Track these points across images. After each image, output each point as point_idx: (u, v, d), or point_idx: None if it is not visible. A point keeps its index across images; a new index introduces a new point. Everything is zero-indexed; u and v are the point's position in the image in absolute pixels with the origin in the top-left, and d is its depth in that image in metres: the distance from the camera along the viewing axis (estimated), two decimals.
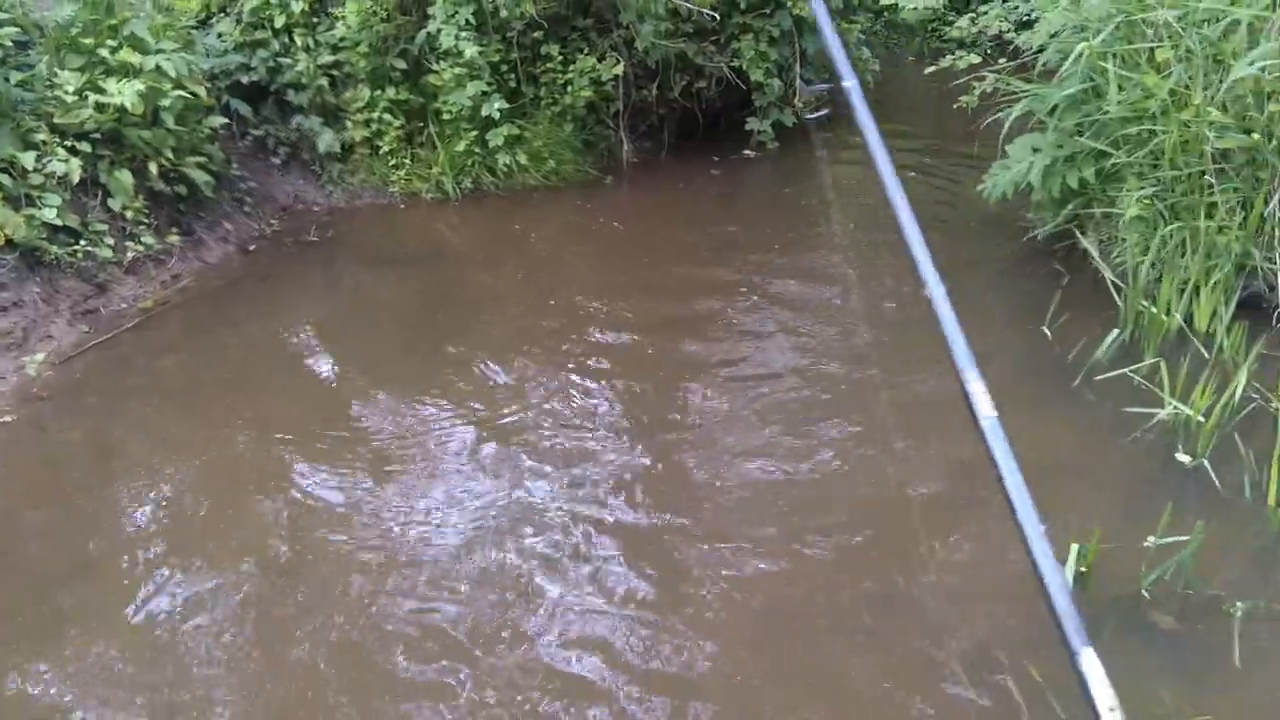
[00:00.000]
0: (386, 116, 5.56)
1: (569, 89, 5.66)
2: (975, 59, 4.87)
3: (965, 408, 1.89)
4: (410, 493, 2.99)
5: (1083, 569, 2.40)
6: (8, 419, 3.42)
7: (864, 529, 2.72)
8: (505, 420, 3.36)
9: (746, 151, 6.31)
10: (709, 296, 4.29)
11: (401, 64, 5.54)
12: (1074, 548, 2.37)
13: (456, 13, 5.18)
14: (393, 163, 5.67)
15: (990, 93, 4.48)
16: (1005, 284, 4.35)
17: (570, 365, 3.74)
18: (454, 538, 2.75)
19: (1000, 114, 4.31)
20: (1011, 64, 4.42)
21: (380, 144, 5.63)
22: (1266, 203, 3.49)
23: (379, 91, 5.54)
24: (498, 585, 2.55)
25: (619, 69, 5.68)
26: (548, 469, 3.06)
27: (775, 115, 6.25)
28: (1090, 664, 1.06)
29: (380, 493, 2.99)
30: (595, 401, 3.50)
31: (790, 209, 5.51)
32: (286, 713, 2.20)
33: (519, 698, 2.19)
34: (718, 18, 5.85)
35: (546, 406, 3.44)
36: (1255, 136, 3.45)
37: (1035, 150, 4.18)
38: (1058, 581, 1.14)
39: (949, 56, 5.30)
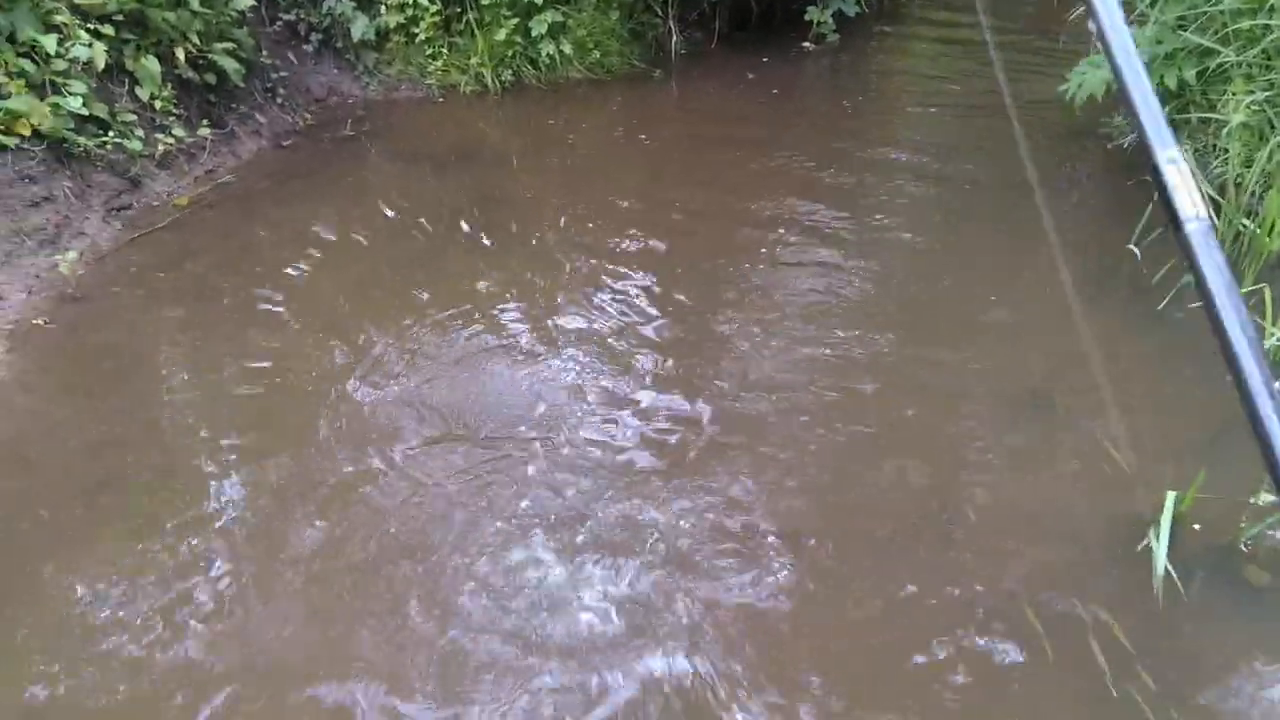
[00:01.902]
0: (422, 1, 5.23)
1: None
2: None
3: None
4: (445, 388, 2.89)
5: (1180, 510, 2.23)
6: (41, 321, 3.34)
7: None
8: (542, 319, 3.21)
9: (805, 44, 5.89)
10: (753, 207, 4.04)
11: None
12: (1170, 495, 2.19)
13: None
14: (429, 52, 5.37)
15: None
16: (1090, 196, 4.05)
17: (607, 274, 3.56)
18: (489, 419, 2.65)
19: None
20: None
21: (416, 31, 5.32)
22: None
23: None
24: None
25: None
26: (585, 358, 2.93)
27: (837, 3, 5.79)
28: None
29: (418, 390, 2.89)
30: (632, 308, 3.33)
31: (845, 114, 5.15)
32: (329, 605, 2.15)
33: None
34: None
35: (582, 307, 3.28)
36: None
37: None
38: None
39: None
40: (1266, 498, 2.25)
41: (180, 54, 4.37)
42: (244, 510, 2.49)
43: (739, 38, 6.01)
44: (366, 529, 2.40)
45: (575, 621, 2.12)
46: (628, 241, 3.77)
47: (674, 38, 5.76)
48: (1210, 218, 0.87)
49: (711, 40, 5.98)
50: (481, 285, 3.52)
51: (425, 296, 3.43)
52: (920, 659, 2.03)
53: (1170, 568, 2.12)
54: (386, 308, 3.39)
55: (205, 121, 4.56)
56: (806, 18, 5.83)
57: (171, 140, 4.32)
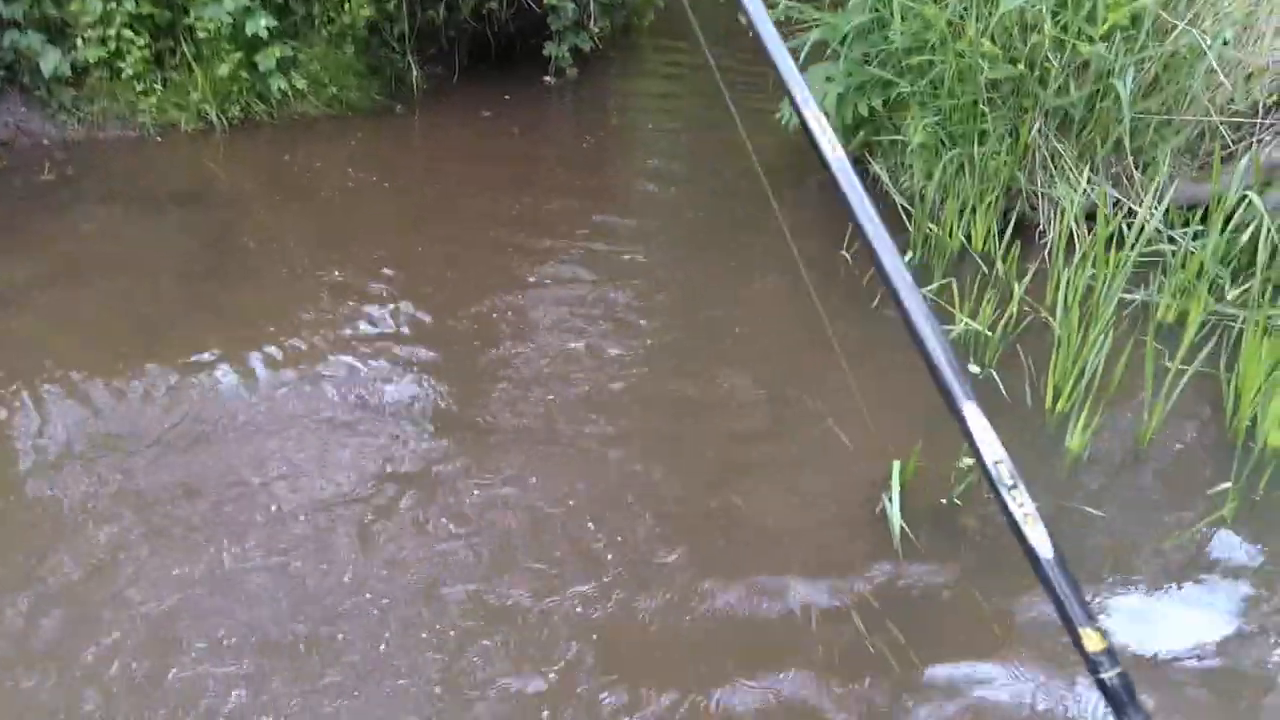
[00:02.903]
0: (127, 33, 4.77)
1: (347, 6, 5.12)
2: None
3: None
4: (203, 481, 2.66)
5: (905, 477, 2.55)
6: None
7: None
8: (294, 373, 3.05)
9: (546, 78, 6.07)
10: (507, 235, 4.10)
11: None
12: (895, 464, 2.51)
13: None
14: (140, 88, 4.92)
15: (785, 20, 4.53)
16: (801, 210, 4.50)
17: (363, 320, 3.45)
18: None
19: (794, 42, 4.38)
20: None
21: (122, 65, 4.85)
22: (1029, 131, 3.80)
23: (114, 4, 4.74)
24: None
25: None
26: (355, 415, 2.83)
27: (572, 40, 6.03)
28: (974, 417, 1.06)
29: (168, 492, 2.63)
30: (382, 350, 3.26)
31: (586, 144, 5.36)
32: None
33: None
34: None
35: (341, 360, 3.17)
36: (1020, 67, 3.72)
37: (829, 79, 4.29)
38: (937, 344, 1.11)
39: None
40: (966, 461, 2.64)
41: None
42: None
43: (481, 71, 6.07)
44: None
45: None
46: (375, 284, 3.66)
47: (414, 72, 5.70)
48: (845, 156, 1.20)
49: (454, 74, 6.00)
50: (212, 345, 3.24)
51: (145, 363, 3.12)
52: (692, 623, 2.17)
53: (904, 525, 2.43)
54: (97, 370, 3.04)
55: None
56: (545, 53, 6.02)
57: None
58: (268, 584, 2.25)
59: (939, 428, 2.75)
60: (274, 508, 2.48)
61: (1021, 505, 1.07)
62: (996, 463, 1.03)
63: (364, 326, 3.36)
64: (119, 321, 3.36)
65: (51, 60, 4.73)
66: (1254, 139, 3.75)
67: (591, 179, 4.70)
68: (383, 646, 2.11)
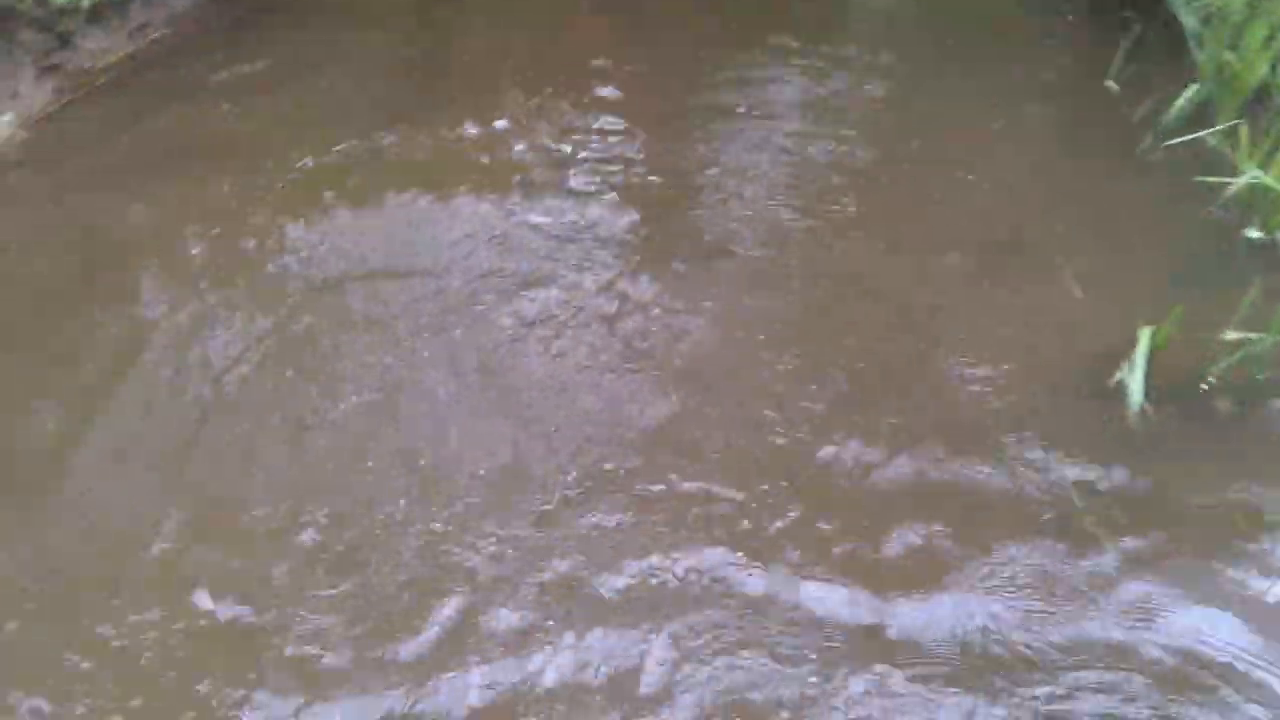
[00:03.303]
0: None
1: None
2: None
3: None
4: (414, 248, 2.85)
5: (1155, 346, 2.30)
6: None
7: None
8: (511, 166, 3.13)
9: None
10: (726, 54, 3.85)
11: None
12: (1145, 331, 2.26)
13: None
14: None
15: None
16: (1068, 32, 3.91)
17: (579, 128, 3.42)
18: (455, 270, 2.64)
19: None
20: None
21: None
22: None
23: None
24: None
25: None
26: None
27: None
28: None
29: (387, 256, 2.84)
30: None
31: None
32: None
33: None
34: None
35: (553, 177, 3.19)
36: None
37: None
38: None
39: None
40: (1232, 335, 2.32)
41: None
42: (202, 394, 2.47)
43: None
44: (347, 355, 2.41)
45: None
46: (599, 84, 3.60)
47: None
48: None
49: None
50: (438, 155, 3.35)
51: (382, 155, 3.29)
52: (893, 476, 2.14)
53: (1146, 404, 2.21)
54: (348, 162, 3.25)
55: None
56: None
57: None
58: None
59: (1200, 295, 2.46)
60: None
61: None
62: None
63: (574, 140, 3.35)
64: (352, 110, 3.55)
65: None
66: None
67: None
68: None
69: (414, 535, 2.10)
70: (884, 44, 3.88)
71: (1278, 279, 2.54)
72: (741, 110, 3.44)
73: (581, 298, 2.69)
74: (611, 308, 2.65)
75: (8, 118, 3.37)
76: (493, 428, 2.33)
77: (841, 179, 3.11)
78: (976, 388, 2.36)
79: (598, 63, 3.83)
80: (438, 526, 2.11)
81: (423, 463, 2.25)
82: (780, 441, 2.25)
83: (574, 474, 2.20)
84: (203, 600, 1.97)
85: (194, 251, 2.92)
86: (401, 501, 2.17)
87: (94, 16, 3.95)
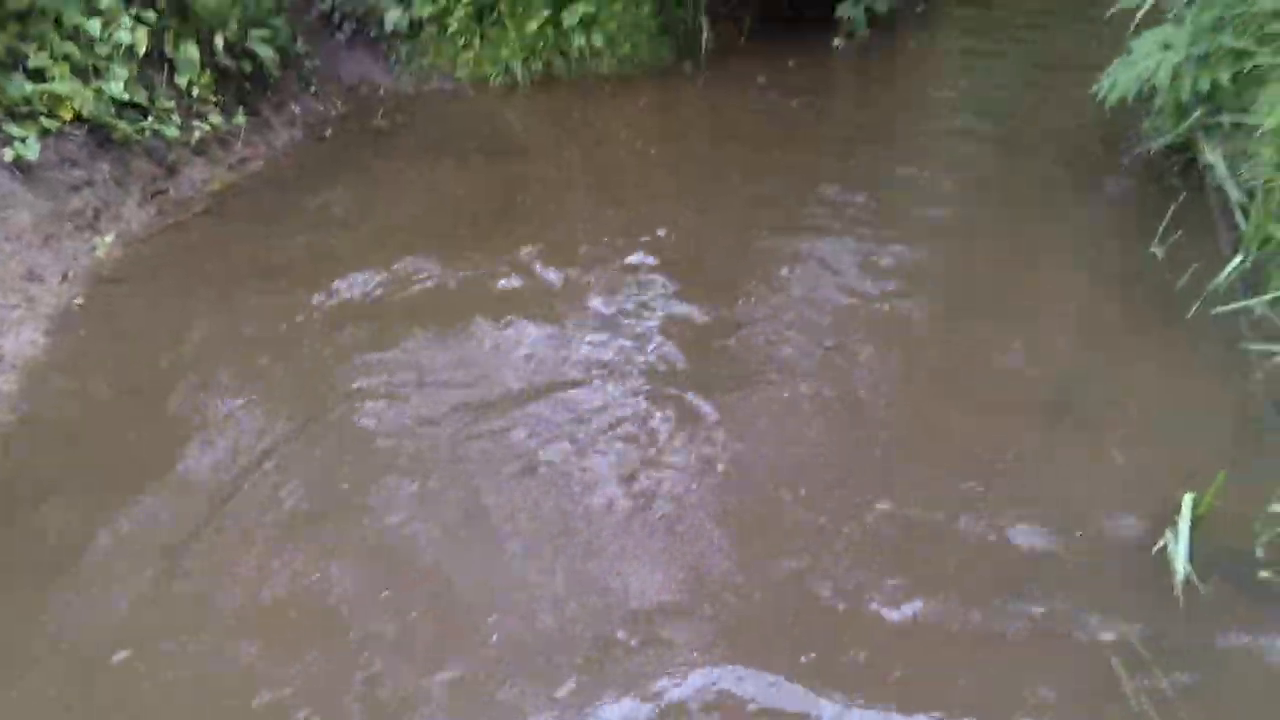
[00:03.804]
0: None
1: None
2: None
3: None
4: (468, 365, 2.96)
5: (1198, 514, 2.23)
6: (80, 301, 3.44)
7: None
8: (561, 312, 3.26)
9: (836, 41, 5.88)
10: (784, 202, 4.05)
11: None
12: (1188, 497, 2.20)
13: None
14: (461, 43, 5.43)
15: None
16: (1114, 197, 4.01)
17: (631, 271, 3.59)
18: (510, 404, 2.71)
19: (1128, 4, 3.87)
20: None
21: (449, 22, 5.37)
22: None
23: None
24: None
25: None
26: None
27: (868, 1, 5.78)
28: None
29: (445, 370, 2.96)
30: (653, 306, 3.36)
31: (874, 117, 5.10)
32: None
33: None
34: None
35: (603, 310, 3.33)
36: None
37: (1166, 47, 3.75)
38: None
39: None
40: (1278, 506, 2.25)
41: (219, 41, 4.46)
42: (284, 494, 2.56)
43: (769, 32, 6.01)
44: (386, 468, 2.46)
45: None
46: (653, 235, 3.79)
47: (704, 32, 5.77)
48: None
49: (740, 35, 5.99)
50: (499, 290, 3.56)
51: (449, 286, 3.49)
52: (930, 629, 2.06)
53: (1189, 569, 2.13)
54: (415, 301, 3.44)
55: (241, 109, 4.64)
56: (837, 14, 5.82)
57: (208, 127, 4.41)
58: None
59: (1244, 461, 2.41)
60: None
61: None
62: None
63: (628, 280, 3.51)
64: (422, 242, 3.79)
65: (393, 15, 5.35)
66: None
67: (865, 160, 4.49)
68: None
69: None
70: (937, 201, 4.03)
71: None
72: (794, 262, 3.58)
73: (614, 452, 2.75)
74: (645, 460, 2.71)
75: (109, 239, 3.69)
76: (516, 577, 2.35)
77: (893, 333, 3.17)
78: (1020, 546, 2.31)
79: (655, 207, 4.06)
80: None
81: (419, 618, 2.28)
82: (819, 597, 2.21)
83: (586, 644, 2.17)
84: None
85: (262, 360, 3.11)
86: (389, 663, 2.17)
87: (200, 148, 4.36)
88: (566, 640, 2.12)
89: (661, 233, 3.79)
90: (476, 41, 5.44)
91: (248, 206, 4.19)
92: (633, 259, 3.64)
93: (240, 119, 4.59)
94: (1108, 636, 2.05)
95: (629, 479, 2.55)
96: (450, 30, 5.40)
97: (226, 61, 4.53)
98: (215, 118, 4.46)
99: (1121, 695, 1.94)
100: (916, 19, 6.41)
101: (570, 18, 5.22)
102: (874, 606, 2.17)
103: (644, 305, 3.34)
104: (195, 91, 4.39)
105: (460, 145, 4.82)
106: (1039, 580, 2.20)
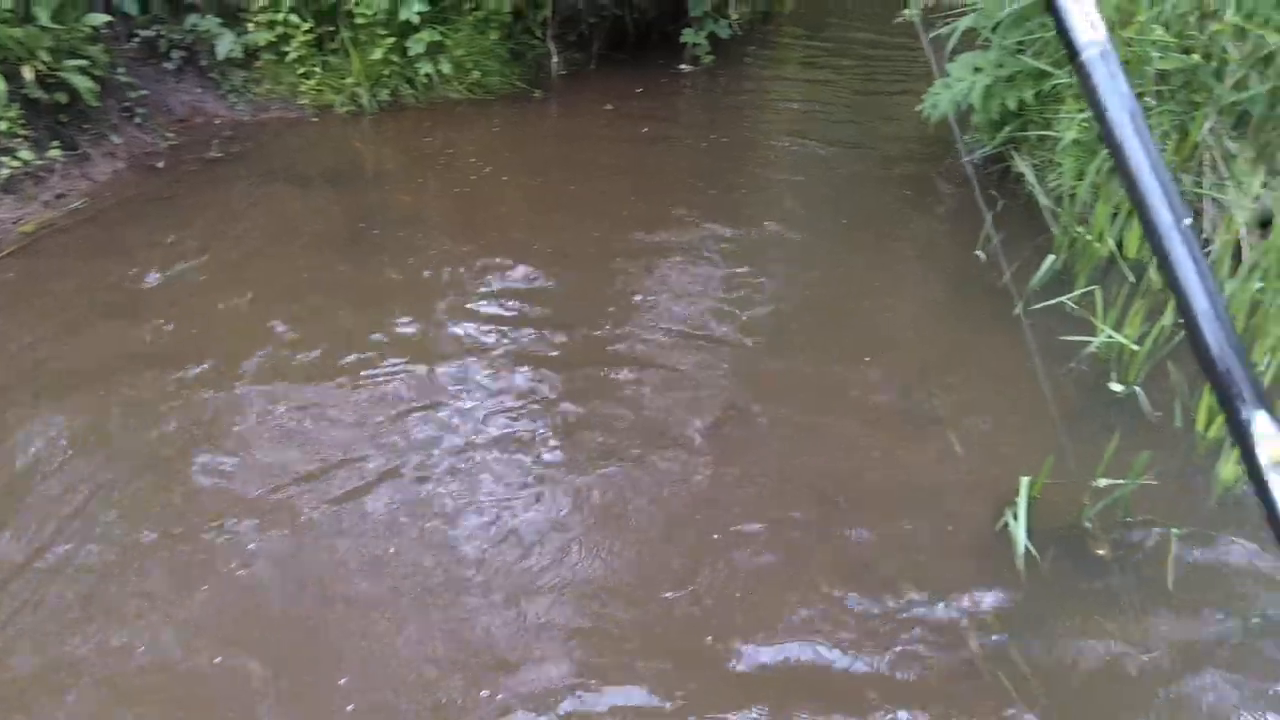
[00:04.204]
0: (293, 18, 5.10)
1: None
2: None
3: None
4: (312, 408, 2.83)
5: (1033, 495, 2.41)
6: None
7: None
8: (434, 349, 3.19)
9: (681, 65, 6.07)
10: (637, 226, 4.12)
11: None
12: (1024, 479, 2.38)
13: None
14: (301, 71, 5.24)
15: (934, 5, 4.35)
16: (938, 206, 4.32)
17: (485, 298, 3.56)
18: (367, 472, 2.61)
19: (943, 30, 4.20)
20: None
21: (287, 49, 5.18)
22: (1200, 128, 3.50)
23: None
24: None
25: None
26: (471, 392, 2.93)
27: (710, 27, 6.00)
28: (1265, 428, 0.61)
29: (288, 415, 2.81)
30: (517, 331, 3.35)
31: (720, 140, 5.28)
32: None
33: None
34: None
35: (456, 341, 3.28)
36: (1195, 58, 3.42)
37: (977, 69, 4.09)
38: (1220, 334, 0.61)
39: None
40: (1102, 481, 2.46)
41: (28, 72, 4.12)
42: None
43: (618, 58, 6.14)
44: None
45: None
46: (508, 264, 3.76)
47: (553, 58, 5.83)
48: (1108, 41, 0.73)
49: (590, 61, 6.08)
50: (351, 314, 3.45)
51: (290, 329, 3.33)
52: (789, 624, 2.13)
53: (1029, 545, 2.30)
54: (250, 339, 3.27)
55: (55, 143, 4.30)
56: (682, 39, 6.01)
57: (18, 163, 4.06)
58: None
59: (1072, 443, 2.63)
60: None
61: None
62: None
63: (482, 306, 3.47)
64: (289, 277, 3.61)
65: (226, 43, 5.11)
66: None
67: (713, 182, 4.63)
68: None
69: None
70: (781, 219, 4.21)
71: (1137, 427, 2.73)
72: (648, 289, 3.64)
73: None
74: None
75: None
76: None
77: (741, 348, 3.28)
78: (872, 540, 2.42)
79: (506, 235, 4.04)
80: None
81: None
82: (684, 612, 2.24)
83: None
84: None
85: (84, 399, 2.87)
86: None
87: (9, 186, 4.01)
88: (423, 702, 2.04)
89: (511, 261, 3.76)
90: (318, 69, 5.27)
91: (67, 246, 3.87)
92: (486, 287, 3.60)
93: (55, 152, 4.25)
94: (961, 617, 2.18)
95: (489, 527, 2.50)
96: (289, 58, 5.20)
97: (38, 93, 4.19)
98: (25, 153, 4.11)
99: (978, 672, 2.06)
100: (758, 46, 6.72)
101: (416, 45, 5.15)
102: (739, 615, 2.21)
103: (500, 335, 3.31)
104: (2, 126, 4.04)
105: (304, 174, 4.64)
106: (894, 571, 2.31)
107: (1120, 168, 0.72)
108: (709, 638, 2.14)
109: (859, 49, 6.55)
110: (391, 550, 2.36)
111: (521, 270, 3.72)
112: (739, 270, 3.73)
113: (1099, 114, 0.73)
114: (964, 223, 3.97)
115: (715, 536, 2.42)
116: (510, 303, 3.51)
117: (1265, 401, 0.70)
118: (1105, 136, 0.72)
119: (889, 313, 3.48)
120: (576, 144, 5.15)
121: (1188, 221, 0.71)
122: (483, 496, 2.54)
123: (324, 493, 2.54)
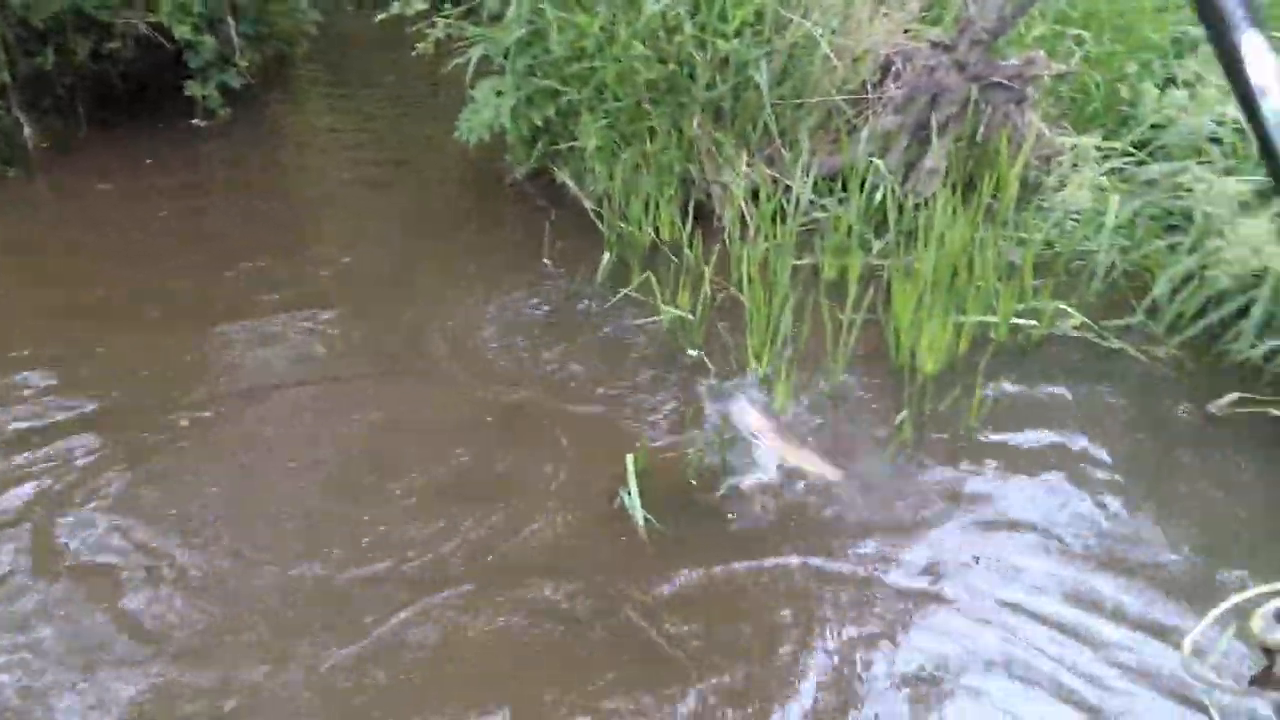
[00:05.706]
0: None
1: None
2: (422, 5, 4.78)
3: None
4: None
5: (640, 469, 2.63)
6: None
7: None
8: None
9: (195, 121, 5.52)
10: (165, 312, 3.69)
11: None
12: (629, 457, 2.59)
13: None
14: None
15: (446, 38, 4.50)
16: (498, 226, 4.52)
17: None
18: None
19: (460, 60, 4.36)
20: (460, 9, 4.46)
21: None
22: (692, 125, 4.10)
23: None
24: None
25: None
26: None
27: (219, 77, 5.54)
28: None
29: None
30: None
31: (260, 205, 4.87)
32: None
33: None
34: None
35: None
36: (672, 66, 3.99)
37: (499, 93, 4.33)
38: None
39: (395, 3, 5.06)
40: (694, 437, 2.80)
41: None
42: None
43: (115, 120, 5.39)
44: None
45: None
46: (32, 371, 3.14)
47: (26, 130, 4.93)
48: None
49: (79, 129, 5.27)
50: None
51: None
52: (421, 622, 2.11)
53: (648, 515, 2.52)
54: None
55: None
56: (187, 93, 5.46)
57: None
58: None
59: (668, 411, 2.96)
60: None
61: None
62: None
63: None
64: None
65: None
66: (869, 112, 4.32)
67: (262, 251, 4.23)
68: None
69: None
70: (353, 266, 4.07)
71: (708, 384, 3.14)
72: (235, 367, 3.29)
73: None
74: None
75: None
76: None
77: (337, 393, 3.11)
78: (504, 538, 2.49)
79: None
80: None
81: None
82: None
83: None
84: None
85: None
86: None
87: None
88: None
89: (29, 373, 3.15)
90: None
91: None
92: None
93: None
94: (615, 601, 2.32)
95: None
96: None
97: None
98: None
99: (653, 644, 2.20)
100: (279, 91, 6.37)
101: None
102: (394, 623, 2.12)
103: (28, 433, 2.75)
104: None
105: None
106: (532, 565, 2.40)
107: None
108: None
109: (387, 85, 6.55)
110: None
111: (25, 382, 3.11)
112: (325, 323, 3.54)
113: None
114: (526, 236, 4.19)
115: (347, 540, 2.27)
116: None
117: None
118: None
119: (472, 329, 3.54)
120: (76, 227, 4.41)
121: None
122: None
123: None
